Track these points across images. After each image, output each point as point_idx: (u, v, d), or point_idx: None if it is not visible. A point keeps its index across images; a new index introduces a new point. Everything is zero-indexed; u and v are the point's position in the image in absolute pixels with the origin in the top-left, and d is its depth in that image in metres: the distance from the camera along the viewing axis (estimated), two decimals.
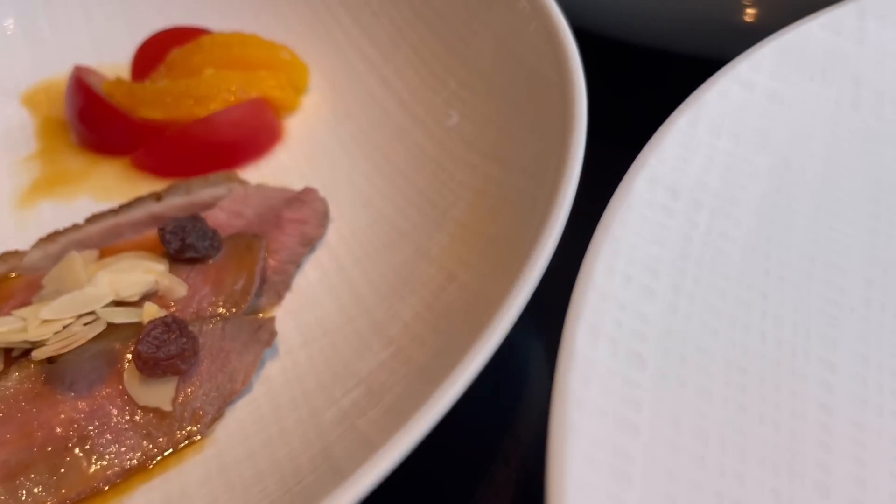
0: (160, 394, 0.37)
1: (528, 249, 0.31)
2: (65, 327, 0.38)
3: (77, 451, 0.35)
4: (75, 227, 0.46)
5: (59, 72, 0.58)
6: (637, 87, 0.59)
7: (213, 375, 0.38)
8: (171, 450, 0.36)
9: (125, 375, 0.37)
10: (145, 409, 0.36)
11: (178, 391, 0.37)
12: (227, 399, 0.38)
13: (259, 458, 0.35)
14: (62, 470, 0.35)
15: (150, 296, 0.40)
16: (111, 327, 0.38)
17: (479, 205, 0.41)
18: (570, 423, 0.24)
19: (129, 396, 0.37)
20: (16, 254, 0.44)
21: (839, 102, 0.38)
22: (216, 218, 0.45)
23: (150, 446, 0.36)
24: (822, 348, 0.29)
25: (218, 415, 0.37)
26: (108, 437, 0.36)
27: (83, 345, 0.37)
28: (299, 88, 0.55)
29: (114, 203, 0.48)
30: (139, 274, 0.40)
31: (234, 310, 0.40)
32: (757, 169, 0.34)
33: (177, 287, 0.40)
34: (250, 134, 0.51)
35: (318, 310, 0.42)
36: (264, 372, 0.39)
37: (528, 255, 0.31)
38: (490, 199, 0.40)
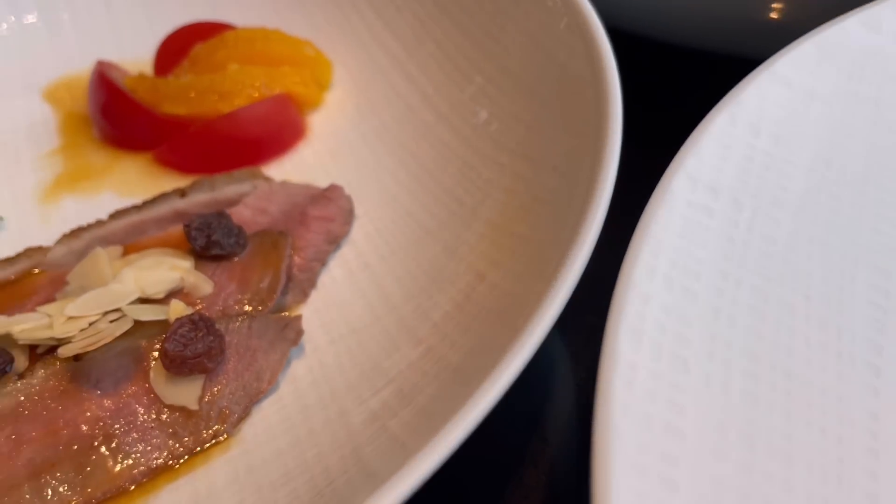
0: (187, 392, 0.36)
1: (564, 250, 0.31)
2: (90, 324, 0.37)
3: (103, 449, 0.35)
4: (99, 222, 0.45)
5: (80, 67, 0.58)
6: (667, 86, 0.59)
7: (239, 374, 0.37)
8: (197, 449, 0.35)
9: (151, 374, 0.37)
10: (171, 408, 0.36)
11: (204, 390, 0.37)
12: (253, 398, 0.37)
13: (287, 459, 0.34)
14: (88, 469, 0.34)
15: (175, 293, 0.40)
16: (137, 325, 0.38)
17: (508, 203, 0.40)
18: (615, 429, 0.23)
19: (156, 395, 0.36)
20: (39, 249, 0.44)
21: (878, 101, 0.37)
22: (241, 215, 0.44)
23: (177, 445, 0.35)
24: (867, 352, 0.28)
25: (244, 414, 0.37)
26: (134, 435, 0.35)
27: (109, 342, 0.37)
28: (323, 84, 0.54)
29: (137, 199, 0.48)
30: (164, 271, 0.40)
31: (260, 308, 0.40)
32: (797, 168, 0.33)
33: (202, 284, 0.40)
34: (274, 130, 0.51)
35: (345, 308, 0.41)
36: (290, 371, 0.39)
37: (565, 255, 0.30)
38: (520, 197, 0.40)
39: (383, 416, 0.33)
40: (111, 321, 0.37)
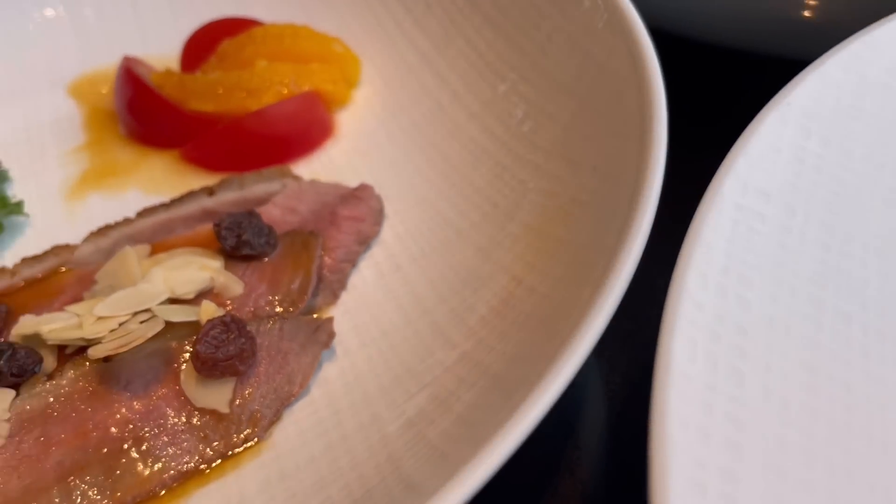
0: (218, 395, 0.36)
1: (609, 255, 0.30)
2: (120, 325, 0.37)
3: (133, 452, 0.34)
4: (126, 220, 0.45)
5: (105, 62, 0.57)
6: (711, 88, 0.57)
7: (270, 377, 0.37)
8: (228, 453, 0.35)
9: (182, 376, 0.36)
10: (202, 411, 0.35)
11: (235, 393, 0.36)
12: (284, 401, 0.36)
13: (320, 465, 0.34)
14: (117, 472, 0.34)
15: (205, 293, 0.39)
16: (167, 325, 0.37)
17: (545, 205, 0.39)
18: (672, 444, 0.22)
19: (186, 398, 0.36)
20: (66, 247, 0.44)
21: None
22: (270, 214, 0.44)
23: (207, 450, 0.35)
24: None
25: (275, 418, 0.36)
26: (165, 439, 0.35)
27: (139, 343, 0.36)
28: (351, 82, 0.53)
29: (163, 196, 0.47)
30: (194, 271, 0.39)
31: (291, 309, 0.39)
32: (849, 172, 0.32)
33: (233, 285, 0.39)
34: (302, 128, 0.50)
35: (376, 310, 0.40)
36: (322, 374, 0.38)
37: (611, 261, 0.29)
38: (558, 199, 0.39)
39: (419, 423, 0.33)
40: (141, 322, 0.37)
